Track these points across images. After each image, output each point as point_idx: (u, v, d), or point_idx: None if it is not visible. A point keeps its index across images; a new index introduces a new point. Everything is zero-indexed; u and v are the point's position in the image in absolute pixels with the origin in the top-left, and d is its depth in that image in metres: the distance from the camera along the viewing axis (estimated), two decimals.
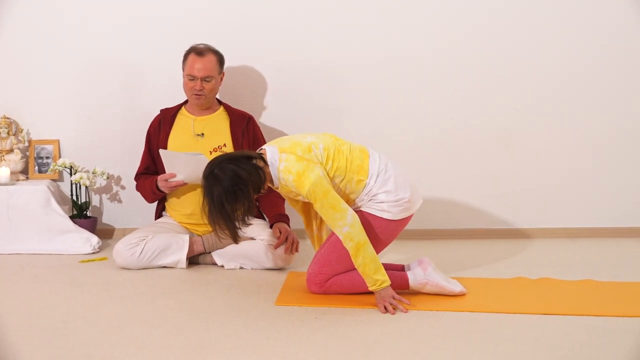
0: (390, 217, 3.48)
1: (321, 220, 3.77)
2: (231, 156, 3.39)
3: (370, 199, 3.49)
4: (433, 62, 4.80)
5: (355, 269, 3.47)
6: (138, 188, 4.36)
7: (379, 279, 3.36)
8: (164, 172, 4.23)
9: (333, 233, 3.58)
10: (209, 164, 3.36)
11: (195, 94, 4.22)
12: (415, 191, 3.58)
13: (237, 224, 3.34)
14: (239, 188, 3.29)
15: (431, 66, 4.80)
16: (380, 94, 4.82)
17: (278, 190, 3.51)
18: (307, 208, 3.79)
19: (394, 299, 3.36)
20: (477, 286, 3.68)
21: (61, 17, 4.74)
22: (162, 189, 4.16)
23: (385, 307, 3.33)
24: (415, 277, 3.53)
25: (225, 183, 3.28)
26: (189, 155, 4.00)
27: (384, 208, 3.47)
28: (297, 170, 3.35)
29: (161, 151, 4.11)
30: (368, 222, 3.47)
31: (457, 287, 3.54)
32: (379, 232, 3.49)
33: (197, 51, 4.22)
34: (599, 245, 4.66)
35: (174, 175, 4.09)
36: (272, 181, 3.44)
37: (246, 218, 3.37)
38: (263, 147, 3.50)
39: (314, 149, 3.43)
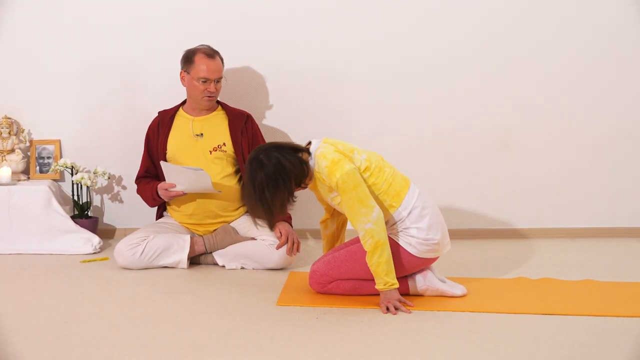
0: (415, 252, 3.45)
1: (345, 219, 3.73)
2: (278, 145, 3.40)
3: (401, 230, 3.46)
4: (433, 62, 4.80)
5: (360, 279, 3.48)
6: (139, 192, 4.37)
7: (389, 281, 3.35)
8: (164, 176, 4.25)
9: (355, 240, 3.59)
10: (255, 149, 3.38)
11: (209, 96, 4.23)
12: (446, 236, 3.54)
13: (274, 211, 3.33)
14: (282, 178, 3.30)
15: (431, 66, 4.80)
16: (380, 94, 4.82)
17: (311, 185, 3.48)
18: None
19: (398, 301, 3.37)
20: (477, 286, 3.69)
21: (61, 17, 4.74)
22: (162, 196, 4.17)
23: (387, 308, 3.34)
24: (415, 284, 3.53)
25: (269, 170, 3.29)
26: (190, 170, 4.02)
27: (411, 242, 3.44)
28: (332, 158, 3.35)
29: (162, 163, 4.11)
30: (393, 249, 3.44)
31: (458, 290, 3.54)
32: (399, 262, 3.45)
33: (207, 54, 4.22)
34: (599, 245, 4.66)
35: (174, 185, 4.10)
36: (312, 177, 3.44)
37: (284, 208, 3.36)
38: (311, 140, 3.49)
39: (356, 154, 3.43)
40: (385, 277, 3.35)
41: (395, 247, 3.44)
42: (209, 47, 4.27)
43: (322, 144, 3.43)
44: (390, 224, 3.47)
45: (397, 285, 3.37)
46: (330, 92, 4.81)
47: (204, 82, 4.21)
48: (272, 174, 3.29)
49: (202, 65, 4.20)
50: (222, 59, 4.29)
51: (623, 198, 4.88)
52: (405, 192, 3.46)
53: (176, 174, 4.08)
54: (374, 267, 3.35)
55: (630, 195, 4.88)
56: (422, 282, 3.52)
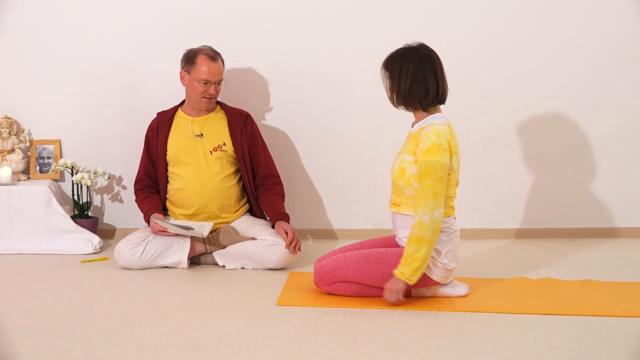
0: (425, 271, 3.44)
1: None
2: (438, 72, 3.45)
3: None
4: None
5: (365, 284, 3.48)
6: (136, 203, 4.37)
7: (408, 276, 3.33)
8: (164, 176, 4.27)
9: (366, 245, 3.59)
10: (423, 44, 3.50)
11: (208, 98, 4.23)
12: (455, 269, 3.52)
13: (399, 92, 3.44)
14: (417, 81, 3.40)
15: None
16: (380, 95, 4.79)
17: (406, 141, 3.53)
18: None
19: (399, 297, 3.36)
20: (478, 286, 3.69)
21: (61, 17, 4.75)
22: (151, 229, 4.16)
23: (389, 296, 3.35)
24: (419, 289, 3.53)
25: (423, 66, 3.41)
26: (187, 227, 4.03)
27: None
28: (441, 142, 3.36)
29: (158, 221, 4.10)
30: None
31: (461, 291, 3.55)
32: None
33: (210, 56, 4.21)
34: (599, 245, 4.66)
35: (165, 229, 4.10)
36: (413, 124, 3.51)
37: (406, 102, 3.46)
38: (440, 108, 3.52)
39: (455, 158, 3.43)
40: (409, 270, 3.32)
41: None
42: (211, 48, 4.27)
43: (446, 124, 3.43)
44: (409, 225, 3.44)
45: (411, 283, 3.36)
46: (329, 92, 4.81)
47: (205, 83, 4.21)
48: (420, 72, 3.40)
49: (203, 67, 4.20)
50: (223, 61, 4.29)
51: (623, 198, 4.89)
52: (447, 213, 3.46)
53: (170, 226, 4.08)
54: (407, 255, 3.33)
55: (631, 195, 4.89)
56: (426, 288, 3.53)
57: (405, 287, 3.37)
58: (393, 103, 3.51)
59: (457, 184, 3.53)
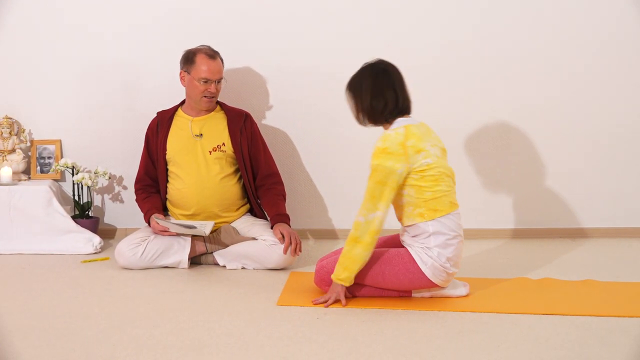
0: (427, 272, 3.42)
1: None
2: (396, 84, 3.45)
3: (422, 248, 3.44)
4: (433, 63, 4.80)
5: (363, 284, 3.49)
6: (137, 202, 4.37)
7: (341, 276, 3.39)
8: (163, 176, 4.27)
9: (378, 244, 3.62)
10: (382, 61, 3.50)
11: (208, 97, 4.23)
12: (455, 274, 3.53)
13: (362, 109, 3.46)
14: (376, 95, 3.42)
15: (431, 66, 4.80)
16: None
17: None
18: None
19: (339, 299, 3.41)
20: (478, 286, 3.69)
21: (62, 17, 4.75)
22: (152, 229, 4.17)
23: (327, 297, 3.42)
24: (419, 290, 3.54)
25: (379, 80, 3.42)
26: (189, 226, 4.03)
27: (427, 262, 3.42)
28: (387, 146, 3.37)
29: (159, 221, 4.11)
30: (406, 261, 3.44)
31: (462, 291, 3.55)
32: (408, 275, 3.44)
33: (209, 54, 4.22)
34: (599, 245, 4.66)
35: (167, 229, 4.10)
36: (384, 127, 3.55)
37: (367, 118, 3.48)
38: (410, 115, 3.52)
39: (421, 156, 3.38)
40: (342, 270, 3.38)
41: (410, 262, 3.44)
42: (209, 47, 4.27)
43: (400, 128, 3.41)
44: (413, 233, 3.46)
45: (346, 284, 3.40)
46: (329, 92, 4.81)
47: (205, 82, 4.21)
48: (377, 88, 3.42)
49: (203, 66, 4.20)
50: (222, 60, 4.29)
51: (623, 198, 4.88)
52: (442, 214, 3.45)
53: (172, 225, 4.08)
54: (341, 255, 3.40)
55: (630, 195, 4.88)
56: (426, 290, 3.53)
57: (343, 289, 3.41)
58: (360, 121, 3.52)
59: (448, 176, 3.47)
